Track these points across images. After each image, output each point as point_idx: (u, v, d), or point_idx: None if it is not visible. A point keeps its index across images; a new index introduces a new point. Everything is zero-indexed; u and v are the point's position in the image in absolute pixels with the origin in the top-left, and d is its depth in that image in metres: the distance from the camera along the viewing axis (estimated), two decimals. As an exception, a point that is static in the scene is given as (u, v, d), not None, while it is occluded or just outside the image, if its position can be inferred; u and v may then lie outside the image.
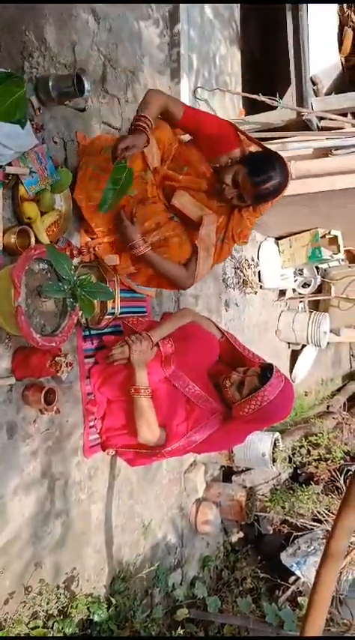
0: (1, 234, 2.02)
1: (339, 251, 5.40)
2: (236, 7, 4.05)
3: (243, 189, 2.21)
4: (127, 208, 2.35)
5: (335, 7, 3.74)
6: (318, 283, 5.90)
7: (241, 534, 4.47)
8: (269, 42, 4.70)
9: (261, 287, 5.16)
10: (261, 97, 3.35)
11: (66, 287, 1.84)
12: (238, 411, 2.15)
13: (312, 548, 4.11)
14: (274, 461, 3.39)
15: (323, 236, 5.32)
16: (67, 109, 2.43)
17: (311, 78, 3.51)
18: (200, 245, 2.40)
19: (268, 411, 2.08)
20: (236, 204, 2.34)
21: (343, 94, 3.51)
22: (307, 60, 3.46)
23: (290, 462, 3.68)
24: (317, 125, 3.58)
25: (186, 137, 2.50)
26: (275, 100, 3.35)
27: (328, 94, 3.75)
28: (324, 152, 3.50)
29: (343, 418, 5.11)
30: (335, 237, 5.35)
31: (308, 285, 5.92)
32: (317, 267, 5.86)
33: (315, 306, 6.28)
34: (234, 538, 4.36)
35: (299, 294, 5.97)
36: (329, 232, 5.32)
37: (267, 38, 4.67)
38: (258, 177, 2.16)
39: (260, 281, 5.17)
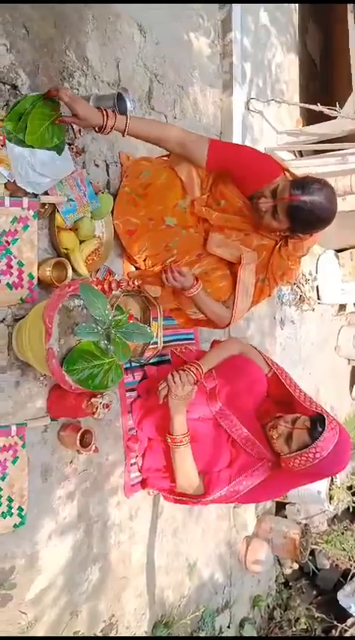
0: (36, 267, 1.92)
1: None
2: (294, 12, 3.83)
3: (279, 197, 1.93)
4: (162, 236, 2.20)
5: None
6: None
7: (295, 566, 4.23)
8: (328, 48, 4.44)
9: (318, 303, 4.89)
10: (320, 107, 3.12)
11: (100, 328, 1.70)
12: (287, 463, 1.94)
13: (373, 587, 3.83)
14: (331, 498, 3.13)
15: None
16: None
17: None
18: (239, 286, 2.22)
19: (321, 466, 1.86)
20: (268, 225, 2.05)
21: None
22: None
23: (350, 489, 3.39)
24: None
25: None
26: (335, 110, 3.11)
27: None
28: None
29: None
30: None
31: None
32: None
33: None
34: (288, 571, 4.13)
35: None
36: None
37: (327, 44, 4.41)
38: (299, 187, 1.89)
39: (318, 296, 4.91)
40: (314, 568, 3.83)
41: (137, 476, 2.43)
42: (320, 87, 4.02)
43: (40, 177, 1.84)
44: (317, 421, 1.90)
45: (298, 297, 4.55)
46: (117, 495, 2.34)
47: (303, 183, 1.88)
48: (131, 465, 2.39)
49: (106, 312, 1.70)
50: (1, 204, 1.77)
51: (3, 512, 1.81)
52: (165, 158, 2.33)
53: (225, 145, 2.11)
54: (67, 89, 1.77)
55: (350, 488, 3.52)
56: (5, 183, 1.82)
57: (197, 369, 2.15)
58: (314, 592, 4.18)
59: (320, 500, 3.02)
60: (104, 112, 1.79)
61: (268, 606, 3.59)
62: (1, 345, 1.84)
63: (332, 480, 3.15)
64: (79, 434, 1.98)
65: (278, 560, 3.99)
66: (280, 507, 3.88)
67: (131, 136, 1.92)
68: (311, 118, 3.83)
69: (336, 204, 1.94)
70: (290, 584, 3.91)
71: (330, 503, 3.12)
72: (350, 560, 3.40)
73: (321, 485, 3.04)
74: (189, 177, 2.12)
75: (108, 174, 2.33)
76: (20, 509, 1.86)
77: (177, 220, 2.19)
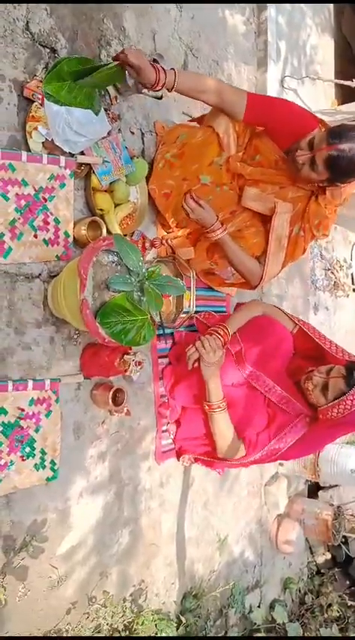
0: (72, 226, 1.95)
1: None
2: (330, -7, 3.81)
3: (317, 148, 1.92)
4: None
5: None
6: None
7: (328, 555, 4.15)
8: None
9: (353, 290, 4.82)
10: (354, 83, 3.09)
11: (134, 280, 1.72)
12: (325, 414, 1.93)
13: None
14: (365, 479, 3.08)
15: None
16: (145, 99, 2.34)
17: None
18: (271, 236, 2.18)
19: None
20: (307, 177, 2.05)
21: None
22: None
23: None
24: None
25: None
26: (372, 86, 3.07)
27: None
28: None
29: None
30: None
31: None
32: None
33: None
34: (320, 559, 4.05)
35: None
36: None
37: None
38: (336, 135, 1.88)
39: (353, 283, 4.84)
40: (347, 552, 3.75)
41: (168, 443, 2.44)
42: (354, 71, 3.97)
43: (77, 136, 1.87)
44: (353, 368, 1.88)
45: (333, 283, 4.50)
46: (148, 461, 2.35)
47: (340, 132, 1.87)
48: (162, 431, 2.40)
49: (140, 263, 1.72)
50: (39, 160, 1.81)
51: (36, 465, 1.84)
52: (196, 124, 2.35)
53: (262, 98, 2.14)
54: (130, 49, 1.84)
55: None
56: (43, 142, 1.86)
57: (224, 331, 2.14)
58: (347, 581, 4.09)
59: (353, 479, 2.96)
60: (157, 68, 1.85)
61: (299, 590, 3.53)
62: (36, 300, 1.88)
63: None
64: (111, 392, 2.00)
65: (310, 548, 3.93)
66: (313, 494, 3.83)
67: (177, 91, 1.94)
68: (346, 99, 3.79)
69: None
70: (323, 571, 3.84)
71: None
72: None
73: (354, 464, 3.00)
74: (226, 133, 2.12)
75: (143, 142, 2.35)
76: (53, 462, 1.89)
77: (212, 178, 2.19)
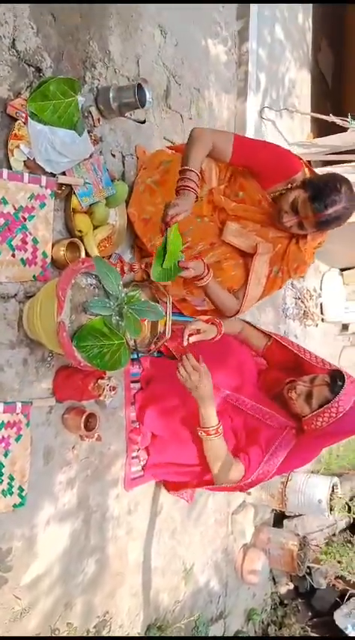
0: (51, 246, 1.92)
1: None
2: (308, 31, 3.92)
3: (303, 216, 2.00)
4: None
5: None
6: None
7: (291, 586, 4.13)
8: (340, 68, 4.55)
9: (322, 320, 4.89)
10: (332, 118, 3.18)
11: (113, 304, 1.69)
12: (309, 425, 1.92)
13: (370, 608, 3.73)
14: (331, 509, 3.08)
15: None
16: (127, 122, 2.34)
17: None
18: (251, 275, 2.22)
19: (344, 422, 1.84)
20: (295, 233, 2.14)
21: None
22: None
23: (349, 510, 3.35)
24: None
25: None
26: (347, 121, 3.16)
27: None
28: None
29: None
30: None
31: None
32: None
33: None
34: (283, 589, 4.03)
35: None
36: None
37: (338, 64, 4.51)
38: (320, 203, 1.92)
39: (322, 313, 4.91)
40: (311, 583, 3.73)
41: (138, 470, 2.39)
42: (331, 105, 4.09)
43: (60, 156, 1.86)
44: (336, 376, 1.89)
45: (302, 312, 4.55)
46: (117, 488, 2.30)
47: (323, 196, 1.90)
48: (133, 457, 2.35)
49: (120, 287, 1.70)
50: (19, 179, 1.78)
51: (3, 491, 1.78)
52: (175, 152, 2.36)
53: (248, 142, 2.15)
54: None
55: (351, 499, 3.47)
56: (25, 161, 1.83)
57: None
58: (310, 612, 4.08)
59: (319, 509, 2.96)
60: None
61: (262, 622, 3.49)
62: (11, 320, 1.83)
63: (333, 489, 3.10)
64: (83, 417, 1.96)
65: (274, 578, 3.90)
66: (278, 521, 3.81)
67: None
68: (322, 133, 3.89)
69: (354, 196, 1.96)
70: (286, 602, 3.81)
71: (330, 513, 3.07)
72: (349, 573, 3.32)
73: (322, 494, 3.00)
74: (208, 167, 2.14)
75: (123, 165, 2.35)
76: (21, 489, 1.83)
77: (192, 209, 2.20)
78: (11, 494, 1.80)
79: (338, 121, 3.17)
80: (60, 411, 2.01)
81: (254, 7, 3.15)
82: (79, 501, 2.10)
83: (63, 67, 2.03)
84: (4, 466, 1.77)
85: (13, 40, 1.82)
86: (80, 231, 2.03)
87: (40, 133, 1.79)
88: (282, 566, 3.24)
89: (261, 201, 2.16)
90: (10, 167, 1.79)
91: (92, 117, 2.16)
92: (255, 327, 2.41)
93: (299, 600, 3.91)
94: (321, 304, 4.92)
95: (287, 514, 3.89)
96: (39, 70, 1.92)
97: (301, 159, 2.13)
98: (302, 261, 2.21)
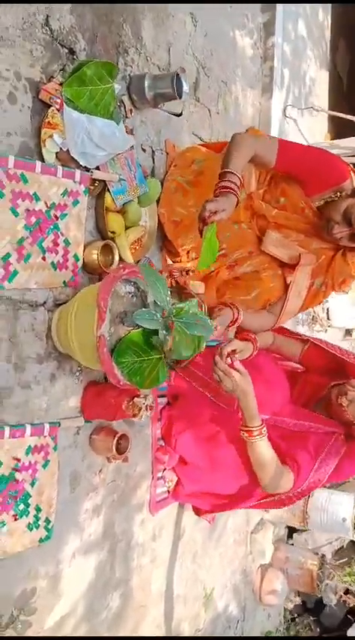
0: (82, 249, 1.73)
1: None
2: (327, 29, 3.78)
3: None
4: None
5: None
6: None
7: (297, 600, 3.99)
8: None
9: (329, 326, 4.77)
10: (357, 119, 3.03)
11: (159, 316, 1.51)
12: None
13: (382, 627, 3.60)
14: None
15: None
16: (158, 115, 2.16)
17: None
18: (292, 287, 2.05)
19: None
20: (343, 246, 1.98)
21: None
22: None
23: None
24: None
25: None
26: (374, 123, 3.02)
27: None
28: None
29: None
30: None
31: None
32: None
33: (382, 349, 5.82)
34: (289, 604, 3.88)
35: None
36: None
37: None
38: None
39: (328, 318, 4.79)
40: (318, 600, 3.59)
41: (163, 491, 2.22)
42: (347, 105, 3.95)
43: (96, 148, 1.67)
44: None
45: (311, 317, 4.42)
46: (142, 512, 2.12)
47: None
48: (158, 478, 2.17)
49: (168, 298, 1.51)
50: (53, 173, 1.58)
51: (29, 524, 1.58)
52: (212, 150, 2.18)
53: (293, 147, 1.97)
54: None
55: None
56: (57, 153, 1.63)
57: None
58: (318, 629, 3.94)
59: (343, 528, 2.82)
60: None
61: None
62: (40, 332, 1.63)
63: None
64: (115, 439, 1.77)
65: (282, 593, 3.76)
66: (288, 535, 3.67)
67: None
68: (339, 133, 3.76)
69: None
70: (297, 620, 3.67)
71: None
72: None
73: (346, 512, 2.85)
74: (247, 170, 1.96)
75: (153, 161, 2.17)
76: (47, 521, 1.63)
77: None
78: (37, 527, 1.61)
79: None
80: (87, 432, 1.82)
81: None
82: (105, 530, 1.91)
83: (96, 50, 1.83)
84: (30, 496, 1.57)
85: (47, 16, 1.62)
86: (113, 232, 1.84)
87: (76, 122, 1.60)
88: (301, 587, 3.09)
89: (305, 209, 1.99)
90: (41, 159, 1.59)
91: (125, 107, 1.97)
92: (291, 333, 2.25)
93: (307, 615, 3.76)
94: (328, 310, 4.81)
95: (297, 527, 3.76)
96: (72, 52, 1.73)
97: (349, 165, 1.97)
98: (349, 274, 2.05)
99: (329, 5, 3.78)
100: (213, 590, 2.64)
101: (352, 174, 1.95)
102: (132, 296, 1.68)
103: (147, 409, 1.76)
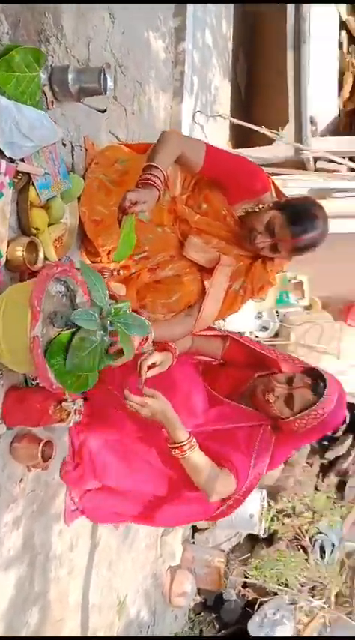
0: (6, 245, 1.62)
1: (304, 296, 5.32)
2: (229, 40, 3.91)
3: (279, 239, 1.87)
4: None
5: (336, 51, 3.68)
6: (277, 328, 5.76)
7: (199, 599, 4.06)
8: (252, 79, 4.63)
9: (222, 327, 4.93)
10: (264, 129, 3.18)
11: (97, 316, 1.46)
12: (290, 426, 1.82)
13: (279, 616, 3.78)
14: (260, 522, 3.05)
15: (290, 280, 5.23)
16: (78, 110, 2.09)
17: (311, 118, 3.39)
18: (209, 290, 2.04)
19: (326, 422, 1.78)
20: (264, 255, 2.02)
21: (344, 137, 3.42)
22: (307, 99, 3.35)
23: (276, 521, 3.35)
24: (313, 166, 3.46)
25: None
26: (277, 134, 3.18)
27: (322, 136, 3.65)
28: (321, 194, 3.35)
29: (303, 469, 4.87)
30: (301, 282, 5.27)
31: (266, 329, 5.76)
32: (276, 312, 5.73)
33: (271, 351, 6.12)
34: (192, 604, 3.94)
35: (256, 337, 5.79)
36: (295, 277, 5.24)
37: (251, 76, 4.59)
38: (298, 227, 1.83)
39: (224, 320, 4.95)
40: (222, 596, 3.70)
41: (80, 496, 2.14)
42: (244, 115, 4.11)
43: (24, 139, 1.58)
44: (316, 376, 1.81)
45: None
46: (59, 522, 2.03)
47: (302, 221, 1.81)
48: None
49: (106, 297, 1.47)
50: (-23, 162, 1.47)
51: None
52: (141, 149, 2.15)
53: (220, 152, 1.99)
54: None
55: (280, 512, 3.49)
56: (-19, 141, 1.52)
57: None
58: (217, 625, 4.04)
59: (251, 524, 2.91)
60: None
61: (183, 643, 3.37)
62: None
63: (268, 504, 3.07)
64: (41, 446, 1.68)
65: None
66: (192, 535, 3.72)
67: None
68: (239, 142, 3.91)
69: (328, 222, 1.91)
70: (200, 618, 3.73)
71: (261, 527, 3.03)
72: (280, 585, 3.32)
73: (254, 509, 2.95)
74: (173, 172, 1.95)
75: (72, 157, 2.09)
76: (-33, 537, 1.51)
77: (151, 216, 2.01)
78: None
79: (268, 133, 3.17)
80: (8, 439, 1.71)
81: (190, 7, 3.04)
82: (24, 542, 1.81)
83: (19, 35, 1.73)
84: None
85: (-30, -6, 1.51)
86: (37, 228, 1.75)
87: (5, 109, 1.50)
88: (209, 585, 3.15)
89: (227, 217, 2.02)
90: None
91: (46, 98, 1.88)
92: (207, 333, 2.25)
93: (212, 614, 3.84)
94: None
95: (198, 527, 3.83)
96: (-5, 34, 1.62)
97: (269, 177, 2.04)
98: (267, 281, 2.10)
99: (231, 16, 3.91)
100: (126, 597, 2.60)
101: (272, 186, 2.02)
102: (62, 296, 1.61)
103: (75, 413, 1.70)
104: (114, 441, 2.04)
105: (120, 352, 1.52)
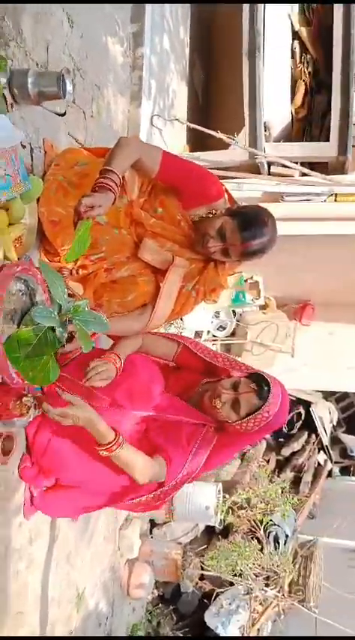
0: (-34, 245, 1.66)
1: (259, 296, 5.46)
2: (186, 45, 4.00)
3: (230, 243, 1.97)
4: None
5: (288, 60, 3.82)
6: (234, 327, 5.89)
7: (155, 593, 4.13)
8: (209, 85, 4.73)
9: (183, 328, 5.01)
10: (220, 134, 3.28)
11: (56, 314, 1.51)
12: (237, 429, 1.89)
13: (235, 605, 3.90)
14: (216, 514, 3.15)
15: (246, 280, 5.36)
16: (35, 113, 2.13)
17: (265, 123, 3.51)
18: (164, 287, 2.10)
19: (271, 423, 1.86)
20: (216, 259, 2.10)
21: (296, 143, 3.56)
22: (262, 105, 3.46)
23: (232, 514, 3.45)
24: (268, 170, 3.58)
25: None
26: (233, 139, 3.28)
27: (275, 141, 3.78)
28: (274, 197, 3.49)
29: (259, 465, 5.01)
30: (257, 282, 5.41)
31: (224, 329, 5.88)
32: (233, 311, 5.86)
33: (227, 349, 6.24)
34: (149, 596, 4.01)
35: (214, 336, 5.90)
36: (251, 277, 5.37)
37: (208, 81, 4.69)
38: (248, 232, 1.92)
39: (181, 319, 5.02)
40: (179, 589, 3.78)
41: (38, 492, 2.18)
42: (202, 120, 4.21)
43: (-16, 141, 1.61)
44: (260, 380, 1.88)
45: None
46: (19, 516, 2.06)
47: (252, 227, 1.91)
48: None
49: (66, 296, 1.53)
50: None
51: None
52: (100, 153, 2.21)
53: (175, 159, 2.07)
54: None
55: (235, 504, 3.60)
56: None
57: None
58: (175, 616, 4.12)
59: (207, 516, 3.01)
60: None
61: (142, 637, 3.43)
62: None
63: (224, 496, 3.17)
64: (1, 440, 1.72)
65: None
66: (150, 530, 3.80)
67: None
68: (196, 146, 4.00)
69: (276, 229, 2.00)
70: (158, 610, 3.80)
71: (216, 519, 3.13)
72: (235, 575, 3.43)
73: (209, 501, 3.05)
74: (130, 176, 2.02)
75: (31, 158, 2.14)
76: None
77: (108, 218, 2.07)
78: None
79: (224, 137, 3.27)
80: (-33, 435, 1.74)
81: (148, 12, 3.11)
82: (-16, 537, 1.84)
83: (-21, 39, 1.77)
84: None
85: None
86: (-4, 228, 1.79)
87: (-35, 111, 1.53)
88: (166, 576, 3.23)
89: (181, 222, 2.09)
90: None
91: (5, 101, 1.92)
92: (162, 334, 2.32)
93: (170, 607, 3.93)
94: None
95: (156, 522, 3.91)
96: None
97: (223, 185, 2.13)
98: (219, 284, 2.19)
99: (188, 22, 4.00)
100: (84, 590, 2.65)
101: (226, 194, 2.11)
102: (22, 294, 1.66)
103: (34, 408, 1.74)
104: (69, 433, 2.06)
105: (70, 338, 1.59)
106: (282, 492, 4.05)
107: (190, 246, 2.13)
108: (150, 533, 3.81)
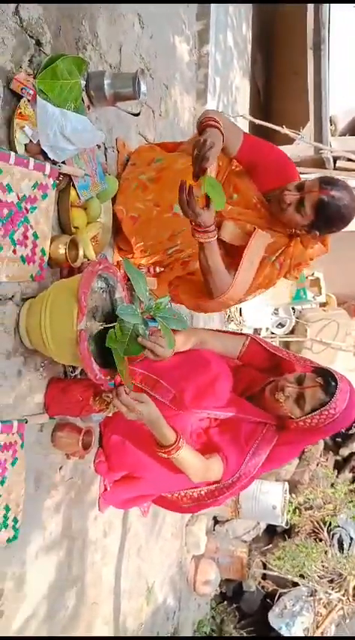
0: (49, 243, 1.70)
1: (320, 293, 5.37)
2: (249, 42, 3.98)
3: (307, 191, 1.88)
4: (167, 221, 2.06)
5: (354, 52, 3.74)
6: (293, 324, 5.80)
7: (218, 590, 4.14)
8: (270, 82, 4.68)
9: (244, 323, 4.99)
10: (285, 130, 3.23)
11: (139, 311, 1.54)
12: (298, 425, 1.84)
13: (298, 607, 3.85)
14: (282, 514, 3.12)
15: (307, 277, 5.28)
16: (109, 113, 2.17)
17: (330, 118, 3.45)
18: (246, 253, 2.00)
19: (337, 421, 1.78)
20: (289, 219, 1.97)
21: (363, 136, 3.47)
22: (328, 99, 3.40)
23: (299, 514, 3.40)
24: (333, 165, 3.51)
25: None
26: (298, 134, 3.24)
27: (341, 135, 3.70)
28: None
29: (318, 464, 4.92)
30: (318, 279, 5.32)
31: (283, 326, 5.81)
32: (292, 308, 5.77)
33: (286, 347, 6.17)
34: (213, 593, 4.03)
35: (272, 333, 5.84)
36: (313, 274, 5.29)
37: (269, 79, 4.65)
38: (328, 184, 1.86)
39: (241, 315, 5.00)
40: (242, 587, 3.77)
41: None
42: (263, 117, 4.17)
43: (67, 143, 1.65)
44: (327, 375, 1.80)
45: (227, 316, 4.61)
46: (94, 509, 2.12)
47: (333, 180, 1.88)
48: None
49: (148, 293, 1.55)
50: (25, 165, 1.55)
51: (-2, 524, 1.54)
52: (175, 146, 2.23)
53: (256, 140, 2.07)
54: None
55: (301, 504, 3.56)
56: (26, 144, 1.60)
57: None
58: (237, 615, 4.12)
59: (274, 515, 2.98)
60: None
61: (206, 633, 3.45)
62: (8, 326, 1.59)
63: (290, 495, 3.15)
64: (81, 434, 1.76)
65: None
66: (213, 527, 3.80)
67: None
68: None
69: None
70: (221, 608, 3.81)
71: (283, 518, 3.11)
72: (301, 577, 3.39)
73: (276, 500, 3.02)
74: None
75: (106, 158, 2.18)
76: (15, 520, 1.59)
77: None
78: (6, 527, 1.56)
79: (290, 133, 3.23)
80: (49, 429, 1.79)
81: (213, 10, 3.11)
82: (63, 528, 1.89)
83: (59, 43, 1.81)
84: (0, 496, 1.53)
85: (17, 5, 1.59)
86: (76, 227, 1.83)
87: (51, 115, 1.58)
88: (231, 574, 3.23)
89: (257, 204, 2.07)
90: (11, 150, 1.56)
91: (83, 103, 1.96)
92: (226, 331, 2.29)
93: (232, 604, 3.92)
94: (241, 309, 5.01)
95: (219, 519, 3.91)
96: (39, 43, 1.70)
97: (298, 170, 2.11)
98: (305, 260, 2.12)
99: (250, 19, 3.98)
100: (153, 584, 2.69)
101: (299, 178, 2.08)
102: (103, 292, 1.69)
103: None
104: (132, 428, 2.07)
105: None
106: (351, 492, 3.96)
107: (269, 226, 2.08)
108: (213, 530, 3.82)
